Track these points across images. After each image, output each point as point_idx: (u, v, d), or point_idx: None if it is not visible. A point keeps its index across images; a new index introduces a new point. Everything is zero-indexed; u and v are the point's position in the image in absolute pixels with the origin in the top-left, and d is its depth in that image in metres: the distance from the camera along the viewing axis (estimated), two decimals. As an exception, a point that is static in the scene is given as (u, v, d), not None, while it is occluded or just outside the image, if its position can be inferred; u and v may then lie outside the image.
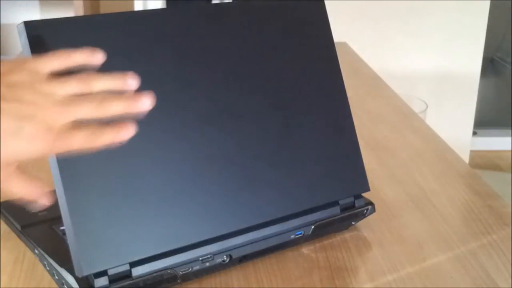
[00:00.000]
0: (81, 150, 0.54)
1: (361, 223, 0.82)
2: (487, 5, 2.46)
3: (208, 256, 0.68)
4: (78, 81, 0.54)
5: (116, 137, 0.54)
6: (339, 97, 0.79)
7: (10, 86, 0.52)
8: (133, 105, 0.55)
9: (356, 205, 0.79)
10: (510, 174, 2.74)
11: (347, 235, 0.80)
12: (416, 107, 1.99)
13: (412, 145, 1.11)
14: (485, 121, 3.14)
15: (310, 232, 0.76)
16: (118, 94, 0.55)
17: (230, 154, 0.70)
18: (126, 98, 0.55)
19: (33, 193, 0.56)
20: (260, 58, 0.74)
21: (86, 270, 0.61)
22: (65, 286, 0.65)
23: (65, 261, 0.65)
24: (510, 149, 3.04)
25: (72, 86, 0.54)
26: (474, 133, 2.84)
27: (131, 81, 0.56)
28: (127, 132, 0.54)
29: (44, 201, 0.57)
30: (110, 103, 0.54)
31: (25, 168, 0.56)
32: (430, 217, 0.85)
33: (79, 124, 0.53)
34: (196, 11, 0.71)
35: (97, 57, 0.57)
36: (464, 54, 2.52)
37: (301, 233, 0.75)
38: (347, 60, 1.74)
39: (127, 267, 0.63)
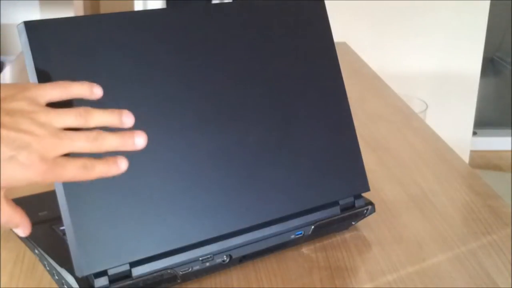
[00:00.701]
0: (71, 180, 0.56)
1: (361, 223, 0.82)
2: (487, 5, 2.46)
3: (208, 256, 0.68)
4: (76, 114, 0.56)
5: (107, 172, 0.56)
6: (339, 97, 0.79)
7: (9, 114, 0.53)
8: (126, 143, 0.57)
9: (356, 205, 0.79)
10: (510, 174, 2.74)
11: (347, 235, 0.80)
12: (416, 107, 1.99)
13: (412, 145, 1.11)
14: (485, 121, 3.14)
15: (310, 232, 0.76)
16: (114, 129, 0.57)
17: (230, 154, 0.70)
18: (121, 136, 0.57)
19: (16, 220, 0.58)
20: (260, 58, 0.74)
21: (86, 270, 0.61)
22: (65, 286, 0.65)
23: (65, 261, 0.65)
24: (510, 149, 3.04)
25: (69, 119, 0.55)
26: (474, 133, 2.84)
27: (127, 119, 0.58)
28: (118, 168, 0.56)
29: (24, 230, 0.59)
30: (105, 139, 0.56)
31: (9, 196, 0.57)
32: (430, 217, 0.85)
33: (72, 156, 0.55)
34: (196, 11, 0.71)
35: (96, 92, 0.58)
36: (464, 54, 2.52)
37: (301, 233, 0.75)
38: (347, 60, 1.74)
39: (127, 267, 0.63)
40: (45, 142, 0.53)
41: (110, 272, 0.63)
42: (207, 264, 0.69)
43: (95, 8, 3.28)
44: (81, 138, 0.55)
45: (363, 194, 0.80)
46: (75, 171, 0.55)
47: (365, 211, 0.80)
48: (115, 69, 0.65)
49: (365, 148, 1.07)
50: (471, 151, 2.69)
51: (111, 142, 0.56)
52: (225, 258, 0.70)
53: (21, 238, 0.77)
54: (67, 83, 0.58)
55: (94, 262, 0.62)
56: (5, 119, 0.53)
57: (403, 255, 0.76)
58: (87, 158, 0.55)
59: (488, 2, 2.46)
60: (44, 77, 0.61)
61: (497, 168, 2.88)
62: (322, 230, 0.77)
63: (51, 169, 0.53)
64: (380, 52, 2.46)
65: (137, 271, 0.64)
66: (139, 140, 0.57)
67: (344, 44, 1.94)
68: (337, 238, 0.79)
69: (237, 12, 0.74)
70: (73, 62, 0.63)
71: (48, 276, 0.71)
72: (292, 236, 0.74)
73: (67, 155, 0.55)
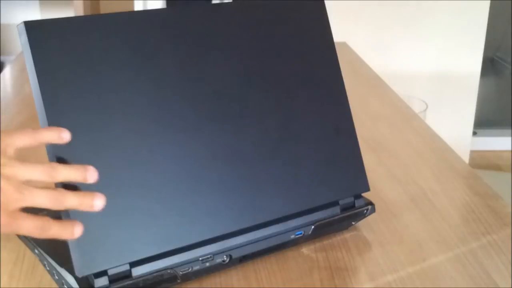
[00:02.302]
0: (26, 234, 0.57)
1: (361, 223, 0.82)
2: (487, 5, 2.46)
3: (208, 256, 0.68)
4: (42, 171, 0.57)
5: (60, 235, 0.57)
6: (339, 97, 0.79)
7: None
8: (85, 204, 0.58)
9: (356, 205, 0.79)
10: (510, 174, 2.74)
11: (347, 235, 0.80)
12: (416, 107, 1.99)
13: (412, 145, 1.11)
14: (485, 121, 3.14)
15: (310, 232, 0.76)
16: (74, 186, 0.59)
17: (230, 154, 0.70)
18: (81, 196, 0.58)
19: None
20: (260, 58, 0.74)
21: (86, 270, 0.61)
22: (65, 286, 0.65)
23: (65, 261, 0.65)
24: (510, 149, 3.04)
25: (35, 174, 0.56)
26: (474, 133, 2.84)
27: (91, 176, 0.59)
28: (72, 234, 0.57)
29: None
30: (65, 198, 0.57)
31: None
32: (430, 217, 0.85)
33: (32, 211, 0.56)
34: (196, 11, 0.71)
35: (64, 137, 0.59)
36: (464, 54, 2.52)
37: (301, 233, 0.75)
38: (347, 60, 1.74)
39: (127, 267, 0.63)
40: (7, 195, 0.54)
41: (110, 272, 0.63)
42: (207, 264, 0.69)
43: (95, 8, 3.28)
44: (42, 195, 0.56)
45: (363, 194, 0.80)
46: (31, 229, 0.56)
47: (365, 211, 0.80)
48: (115, 69, 0.65)
49: (365, 148, 1.07)
50: (471, 151, 2.69)
51: (71, 202, 0.57)
52: (225, 258, 0.70)
53: (21, 238, 0.77)
54: (35, 131, 0.59)
55: (94, 262, 0.62)
56: None
57: (403, 255, 0.76)
58: (45, 219, 0.56)
59: (488, 2, 2.46)
60: (44, 77, 0.61)
61: (497, 168, 2.88)
62: (322, 230, 0.77)
63: (9, 222, 0.55)
64: (380, 52, 2.46)
65: (137, 271, 0.64)
66: (98, 202, 0.58)
67: (344, 44, 1.94)
68: (337, 238, 0.79)
69: (237, 12, 0.74)
70: (73, 62, 0.63)
71: (48, 276, 0.71)
72: (292, 236, 0.74)
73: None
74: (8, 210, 0.55)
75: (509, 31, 3.69)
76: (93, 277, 0.62)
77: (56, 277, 0.67)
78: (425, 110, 2.06)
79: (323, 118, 0.77)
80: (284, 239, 0.74)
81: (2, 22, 3.74)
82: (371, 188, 0.80)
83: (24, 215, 0.55)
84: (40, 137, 0.59)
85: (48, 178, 0.57)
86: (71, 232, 0.57)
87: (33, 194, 0.56)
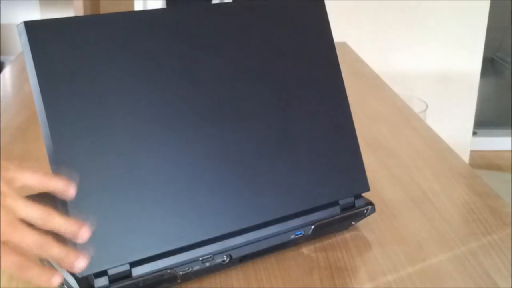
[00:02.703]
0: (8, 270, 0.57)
1: (361, 223, 0.82)
2: (487, 5, 2.46)
3: (208, 256, 0.68)
4: (39, 215, 0.57)
5: (37, 281, 0.56)
6: (339, 97, 0.79)
7: None
8: (67, 262, 0.57)
9: (356, 205, 0.79)
10: (510, 174, 2.74)
11: (347, 235, 0.80)
12: (416, 107, 1.99)
13: (412, 145, 1.11)
14: (485, 121, 3.14)
15: (310, 232, 0.76)
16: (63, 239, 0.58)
17: (230, 154, 0.70)
18: (65, 253, 0.57)
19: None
20: (259, 58, 0.74)
21: (86, 270, 0.61)
22: (65, 286, 0.65)
23: (65, 261, 0.65)
24: (510, 149, 3.04)
25: (32, 215, 0.57)
26: (474, 133, 2.84)
27: (82, 235, 0.58)
28: (49, 283, 0.56)
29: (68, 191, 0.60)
30: (50, 249, 0.57)
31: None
32: (430, 217, 0.85)
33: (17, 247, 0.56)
34: (196, 11, 0.71)
35: (70, 194, 0.60)
36: (464, 54, 2.52)
37: (301, 233, 0.75)
38: (347, 60, 1.74)
39: (127, 267, 0.63)
40: (3, 226, 0.54)
41: (110, 272, 0.63)
42: (207, 264, 0.69)
43: (95, 8, 3.28)
44: (30, 239, 0.56)
45: (363, 194, 0.80)
46: (10, 265, 0.55)
47: (365, 211, 0.80)
48: (115, 68, 0.65)
49: (365, 148, 1.07)
50: (471, 151, 2.69)
51: (54, 254, 0.57)
52: (225, 258, 0.70)
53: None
54: (46, 177, 0.59)
55: (94, 262, 0.61)
56: None
57: (403, 255, 0.76)
58: (25, 260, 0.56)
59: (488, 2, 2.46)
60: (44, 77, 0.61)
61: (497, 168, 2.88)
62: (322, 230, 0.77)
63: None
64: (380, 52, 2.46)
65: (137, 271, 0.64)
66: (80, 264, 0.58)
67: (344, 44, 1.94)
68: (337, 238, 0.79)
69: (237, 12, 0.74)
70: (73, 62, 0.63)
71: (48, 276, 0.71)
72: (292, 236, 0.74)
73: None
74: None
75: (509, 31, 3.69)
76: (93, 277, 0.62)
77: (56, 277, 0.67)
78: (425, 110, 2.06)
79: (323, 118, 0.77)
80: (284, 239, 0.74)
81: (2, 22, 3.74)
82: (371, 188, 0.80)
83: (8, 250, 0.55)
84: (47, 185, 0.59)
85: (41, 223, 0.57)
86: (49, 281, 0.57)
87: (24, 234, 0.56)
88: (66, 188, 0.59)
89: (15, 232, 0.55)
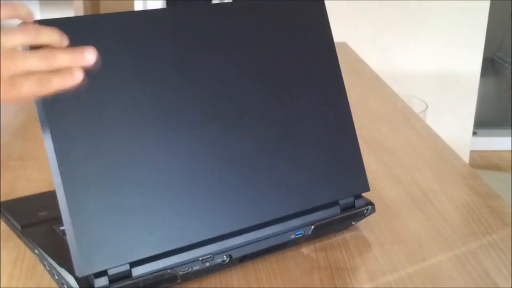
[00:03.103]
0: (30, 97, 0.57)
1: (361, 223, 0.82)
2: (487, 5, 2.46)
3: (208, 256, 0.68)
4: (43, 53, 0.56)
5: (63, 84, 0.57)
6: (339, 97, 0.79)
7: None
8: (77, 59, 0.57)
9: (356, 205, 0.79)
10: (510, 174, 2.74)
11: (347, 235, 0.80)
12: (416, 107, 1.99)
13: (412, 145, 1.11)
14: (485, 121, 3.14)
15: (310, 232, 0.76)
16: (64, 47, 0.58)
17: (230, 154, 0.70)
18: (71, 52, 0.57)
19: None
20: (259, 58, 0.74)
21: (86, 270, 0.61)
22: (65, 286, 0.65)
23: (65, 261, 0.65)
24: (510, 149, 3.04)
25: (33, 59, 0.56)
26: (474, 133, 2.84)
27: (90, 53, 0.58)
28: (74, 78, 0.57)
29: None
30: (56, 56, 0.56)
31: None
32: (430, 217, 0.85)
33: (26, 73, 0.56)
34: (196, 11, 0.71)
35: (65, 42, 0.59)
36: (464, 54, 2.52)
37: (301, 233, 0.75)
38: (347, 60, 1.74)
39: (127, 267, 0.63)
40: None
41: (110, 272, 0.63)
42: (207, 264, 0.69)
43: (95, 8, 3.28)
44: (33, 56, 0.56)
45: (363, 194, 0.80)
46: (32, 87, 0.55)
47: (365, 211, 0.80)
48: (115, 68, 0.65)
49: (365, 148, 1.07)
50: (471, 151, 2.69)
51: (63, 59, 0.57)
52: (225, 258, 0.70)
53: (21, 238, 0.77)
54: (37, 28, 0.58)
55: (94, 262, 0.62)
56: None
57: (403, 255, 0.76)
58: (41, 73, 0.56)
59: (488, 2, 2.46)
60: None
61: (497, 168, 2.88)
62: (322, 230, 0.77)
63: (9, 88, 0.55)
64: (380, 52, 2.46)
65: (137, 271, 0.64)
66: (89, 56, 0.58)
67: (344, 44, 1.94)
68: (337, 238, 0.79)
69: (237, 12, 0.74)
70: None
71: (48, 276, 0.71)
72: (292, 236, 0.74)
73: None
74: (4, 78, 0.55)
75: (509, 31, 3.69)
76: (93, 277, 0.62)
77: (56, 277, 0.67)
78: (425, 110, 2.06)
79: (323, 118, 0.77)
80: (284, 239, 0.74)
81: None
82: (371, 188, 0.80)
83: (21, 77, 0.55)
84: (41, 37, 0.58)
85: (47, 64, 0.56)
86: (72, 77, 0.57)
87: (24, 57, 0.55)
88: (62, 38, 0.58)
89: (16, 60, 0.55)
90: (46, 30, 0.57)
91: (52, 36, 0.58)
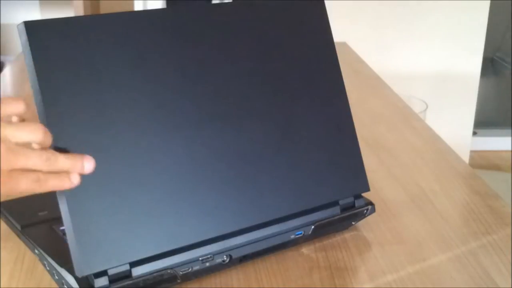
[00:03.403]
0: (25, 193, 0.58)
1: (361, 223, 0.82)
2: (487, 5, 2.46)
3: (208, 256, 0.68)
4: (43, 155, 0.58)
5: (60, 186, 0.59)
6: (339, 97, 0.79)
7: None
8: (76, 166, 0.60)
9: (356, 205, 0.79)
10: (510, 174, 2.74)
11: (347, 235, 0.80)
12: (416, 107, 1.99)
13: (412, 145, 1.11)
14: (485, 121, 3.14)
15: (310, 232, 0.76)
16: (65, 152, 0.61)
17: (230, 154, 0.70)
18: (71, 158, 0.59)
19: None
20: (260, 58, 0.74)
21: (86, 270, 0.61)
22: (65, 286, 0.65)
23: (65, 261, 0.65)
24: (510, 149, 3.04)
25: (34, 160, 0.57)
26: (474, 133, 2.84)
27: (88, 163, 0.61)
28: (71, 182, 0.59)
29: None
30: (57, 160, 0.58)
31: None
32: (430, 217, 0.85)
33: (25, 170, 0.57)
34: (196, 11, 0.71)
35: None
36: (464, 54, 2.52)
37: (301, 233, 0.75)
38: (347, 60, 1.74)
39: (127, 267, 0.63)
40: (2, 156, 0.55)
41: (110, 272, 0.63)
42: (207, 264, 0.69)
43: (95, 8, 3.28)
44: (35, 156, 0.57)
45: (363, 194, 0.80)
46: (29, 184, 0.57)
47: (365, 211, 0.80)
48: (115, 68, 0.65)
49: (365, 148, 1.07)
50: (471, 151, 2.68)
51: (62, 163, 0.59)
52: (225, 258, 0.70)
53: (21, 238, 0.77)
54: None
55: (94, 262, 0.62)
56: None
57: (403, 255, 0.76)
58: (40, 173, 0.58)
59: (488, 2, 2.46)
60: (44, 77, 0.61)
61: (497, 168, 2.88)
62: (322, 230, 0.77)
63: (6, 181, 0.56)
64: (380, 52, 2.46)
65: (137, 271, 0.64)
66: (88, 165, 0.60)
67: (344, 44, 1.94)
68: (337, 238, 0.79)
69: (237, 12, 0.74)
70: (73, 62, 0.63)
71: (48, 276, 0.71)
72: (292, 236, 0.74)
73: None
74: (4, 172, 0.56)
75: (509, 31, 3.69)
76: (93, 277, 0.62)
77: (56, 277, 0.67)
78: (425, 110, 2.06)
79: (323, 118, 0.77)
80: (284, 239, 0.74)
81: (2, 22, 3.74)
82: (371, 188, 0.80)
83: (19, 172, 0.57)
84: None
85: (45, 167, 0.58)
86: (70, 181, 0.59)
87: (27, 154, 0.57)
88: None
89: (18, 156, 0.56)
90: (62, 159, 0.59)
91: (65, 165, 0.59)
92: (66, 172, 0.59)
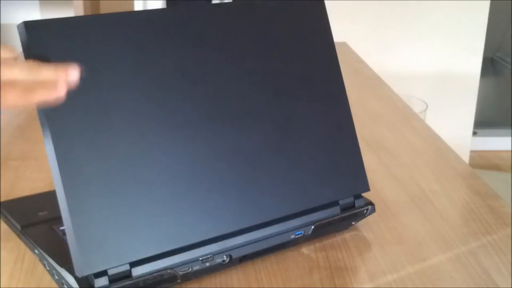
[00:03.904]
0: (14, 106, 0.57)
1: (361, 223, 0.82)
2: (487, 5, 2.46)
3: (208, 256, 0.68)
4: (27, 67, 0.57)
5: (47, 95, 0.57)
6: (339, 97, 0.79)
7: None
8: (60, 73, 0.58)
9: (356, 205, 0.79)
10: (510, 174, 2.74)
11: (347, 235, 0.80)
12: (416, 107, 1.99)
13: (412, 145, 1.11)
14: (485, 121, 3.14)
15: (310, 232, 0.76)
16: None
17: (230, 154, 0.70)
18: (56, 67, 0.58)
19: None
20: (260, 58, 0.74)
21: (86, 270, 0.61)
22: (65, 286, 0.65)
23: (65, 261, 0.65)
24: (510, 149, 3.04)
25: (18, 72, 0.57)
26: (474, 133, 2.84)
27: (73, 73, 0.59)
28: (58, 91, 0.57)
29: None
30: (41, 69, 0.58)
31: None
32: (430, 217, 0.85)
33: (11, 83, 0.57)
34: (196, 11, 0.71)
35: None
36: (464, 54, 2.52)
37: (301, 233, 0.75)
38: (347, 60, 1.74)
39: (127, 267, 0.63)
40: None
41: (110, 272, 0.63)
42: (207, 264, 0.69)
43: (95, 8, 3.28)
44: (18, 67, 0.57)
45: (363, 194, 0.80)
46: (17, 96, 0.56)
47: (365, 211, 0.80)
48: (115, 68, 0.65)
49: (365, 148, 1.07)
50: (471, 151, 2.69)
51: (46, 73, 0.58)
52: (225, 258, 0.70)
53: (21, 238, 0.77)
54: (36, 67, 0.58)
55: (94, 262, 0.62)
56: None
57: (403, 255, 0.76)
58: (25, 86, 0.57)
59: (488, 2, 2.46)
60: (44, 77, 0.61)
61: (497, 168, 2.88)
62: (322, 230, 0.77)
63: None
64: (380, 52, 2.46)
65: (137, 271, 0.64)
66: (72, 71, 0.58)
67: (344, 44, 1.94)
68: (337, 238, 0.79)
69: (237, 12, 0.74)
70: (73, 62, 0.63)
71: (48, 276, 0.71)
72: (292, 236, 0.74)
73: None
74: None
75: (509, 31, 3.69)
76: (93, 277, 0.62)
77: (56, 277, 0.67)
78: (425, 110, 2.06)
79: (323, 118, 0.77)
80: (284, 239, 0.74)
81: (2, 22, 3.74)
82: (371, 188, 0.80)
83: (5, 84, 0.56)
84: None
85: (29, 77, 0.57)
86: (56, 90, 0.57)
87: (9, 66, 0.56)
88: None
89: (1, 68, 0.56)
90: (45, 70, 0.58)
91: (50, 75, 0.58)
92: (52, 82, 0.57)
